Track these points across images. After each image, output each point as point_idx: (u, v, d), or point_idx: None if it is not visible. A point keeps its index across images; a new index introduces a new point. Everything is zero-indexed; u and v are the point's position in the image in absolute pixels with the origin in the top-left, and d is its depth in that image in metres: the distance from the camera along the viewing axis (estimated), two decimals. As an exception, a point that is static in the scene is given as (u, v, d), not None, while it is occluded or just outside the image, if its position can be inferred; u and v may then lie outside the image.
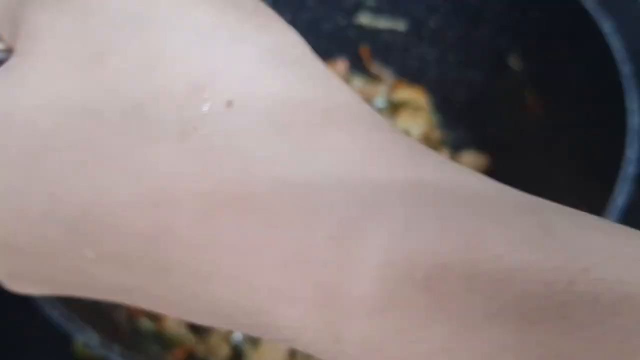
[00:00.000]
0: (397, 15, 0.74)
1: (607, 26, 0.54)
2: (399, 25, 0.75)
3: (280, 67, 0.17)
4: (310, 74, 0.17)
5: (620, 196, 0.46)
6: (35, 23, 0.17)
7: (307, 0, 0.75)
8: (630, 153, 0.48)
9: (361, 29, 0.76)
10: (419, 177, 0.16)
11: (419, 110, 0.75)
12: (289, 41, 0.18)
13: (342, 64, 0.80)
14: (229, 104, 0.15)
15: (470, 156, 0.71)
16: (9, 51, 0.20)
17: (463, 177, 0.17)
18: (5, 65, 0.18)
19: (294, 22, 0.73)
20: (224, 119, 0.15)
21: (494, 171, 0.70)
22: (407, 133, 0.72)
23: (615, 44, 0.53)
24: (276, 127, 0.15)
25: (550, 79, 0.62)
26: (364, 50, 0.78)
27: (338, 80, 0.18)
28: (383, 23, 0.76)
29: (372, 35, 0.77)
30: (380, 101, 0.74)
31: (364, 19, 0.76)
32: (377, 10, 0.75)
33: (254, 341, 0.58)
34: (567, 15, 0.58)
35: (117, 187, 0.16)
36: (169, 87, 0.15)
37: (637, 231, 0.16)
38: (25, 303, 0.41)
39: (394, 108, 0.75)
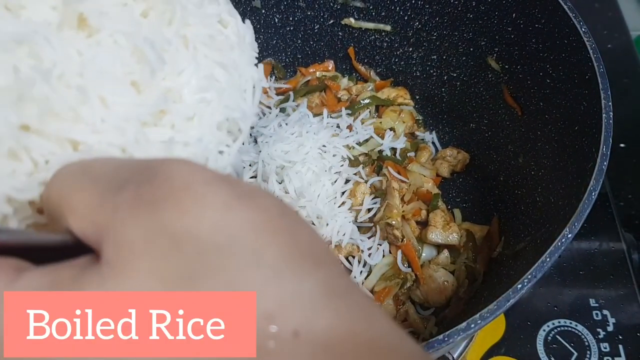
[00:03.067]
0: (383, 16, 0.75)
1: (583, 27, 0.55)
2: (385, 26, 0.76)
3: (333, 298, 0.20)
4: (356, 302, 0.20)
5: (594, 191, 0.47)
6: (128, 236, 0.19)
7: (299, 1, 0.76)
8: (604, 149, 0.50)
9: (348, 29, 0.78)
10: None
11: (403, 108, 0.76)
12: (337, 273, 0.21)
13: (330, 64, 0.81)
14: (296, 333, 0.18)
15: (452, 152, 0.72)
16: (70, 241, 0.21)
17: None
18: (98, 272, 0.19)
19: (286, 22, 0.73)
20: (292, 347, 0.18)
21: (475, 166, 0.72)
22: (392, 131, 0.73)
23: (591, 43, 0.54)
24: (332, 357, 0.18)
25: (528, 78, 0.63)
26: (351, 51, 0.80)
27: (375, 307, 0.21)
28: (369, 24, 0.77)
29: (358, 35, 0.78)
30: (367, 100, 0.75)
31: (351, 20, 0.77)
32: (363, 12, 0.76)
33: None
34: (545, 16, 0.59)
35: None
36: (246, 314, 0.18)
37: None
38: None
39: (379, 107, 0.76)
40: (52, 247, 0.21)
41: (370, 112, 0.75)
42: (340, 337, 0.19)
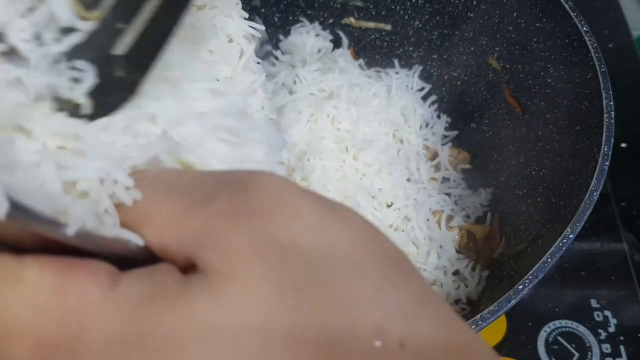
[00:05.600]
0: (383, 15, 0.75)
1: (584, 26, 0.55)
2: (385, 25, 0.76)
3: (427, 309, 0.20)
4: (445, 312, 0.21)
5: (596, 191, 0.47)
6: (233, 244, 0.19)
7: (298, 1, 0.76)
8: (606, 149, 0.50)
9: (348, 29, 0.78)
10: None
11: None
12: (422, 282, 0.21)
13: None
14: (402, 345, 0.18)
15: (452, 152, 0.72)
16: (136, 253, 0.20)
17: None
18: (205, 279, 0.19)
19: (286, 21, 0.73)
20: (399, 358, 0.18)
21: (475, 166, 0.72)
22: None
23: (592, 43, 0.54)
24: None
25: (529, 77, 0.63)
26: (351, 50, 0.79)
27: (456, 315, 0.21)
28: (369, 23, 0.77)
29: (359, 35, 0.78)
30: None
31: (351, 19, 0.77)
32: (363, 11, 0.76)
33: None
34: (546, 16, 0.59)
35: None
36: (358, 325, 0.18)
37: None
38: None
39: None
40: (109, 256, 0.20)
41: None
42: (440, 347, 0.19)
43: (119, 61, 0.25)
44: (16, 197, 0.17)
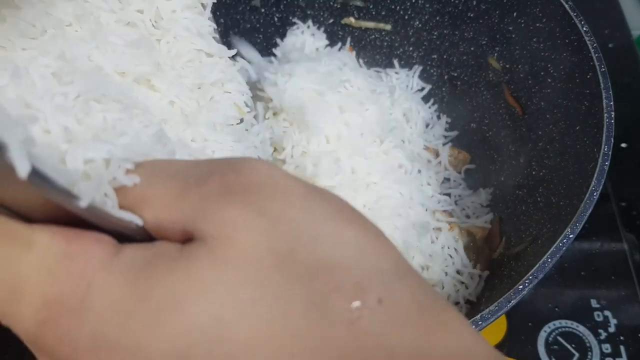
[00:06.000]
0: (383, 15, 0.75)
1: (584, 26, 0.55)
2: (385, 25, 0.76)
3: (405, 276, 0.22)
4: (422, 281, 0.22)
5: (596, 191, 0.47)
6: (226, 216, 0.20)
7: (298, 1, 0.76)
8: (606, 149, 0.50)
9: (348, 29, 0.78)
10: None
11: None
12: (401, 256, 0.23)
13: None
14: (380, 301, 0.20)
15: (452, 152, 0.72)
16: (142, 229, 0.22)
17: None
18: (202, 244, 0.20)
19: (286, 21, 0.74)
20: (378, 310, 0.20)
21: (475, 166, 0.72)
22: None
23: (592, 42, 0.54)
24: (411, 320, 0.20)
25: (529, 77, 0.63)
26: (351, 50, 0.79)
27: (431, 288, 0.23)
28: (369, 23, 0.77)
29: (358, 35, 0.78)
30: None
31: (351, 19, 0.77)
32: (363, 11, 0.76)
33: None
34: (546, 15, 0.59)
35: None
36: (341, 284, 0.20)
37: None
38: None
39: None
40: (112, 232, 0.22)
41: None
42: (414, 306, 0.21)
43: None
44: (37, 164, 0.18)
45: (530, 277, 0.43)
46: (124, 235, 0.22)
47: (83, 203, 0.19)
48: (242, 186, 0.21)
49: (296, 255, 0.20)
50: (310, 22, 0.77)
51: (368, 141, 0.64)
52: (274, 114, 0.66)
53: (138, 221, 0.22)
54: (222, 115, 0.41)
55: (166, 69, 0.38)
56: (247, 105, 0.44)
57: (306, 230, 0.21)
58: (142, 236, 0.22)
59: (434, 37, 0.73)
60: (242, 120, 0.44)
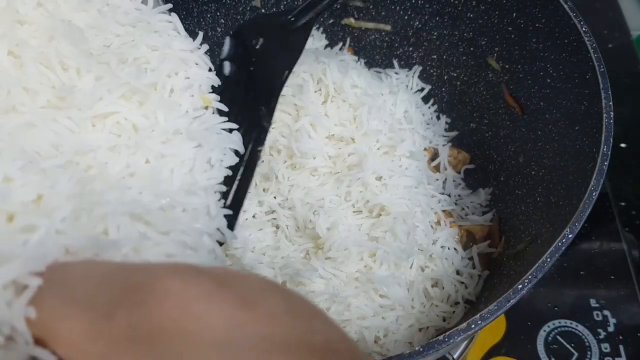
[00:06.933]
0: (383, 16, 0.75)
1: (584, 26, 0.55)
2: (385, 26, 0.76)
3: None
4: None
5: (595, 191, 0.47)
6: None
7: (298, 1, 0.76)
8: (605, 149, 0.50)
9: (348, 29, 0.78)
10: None
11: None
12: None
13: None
14: None
15: (452, 152, 0.72)
16: None
17: None
18: None
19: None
20: None
21: (475, 166, 0.72)
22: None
23: (592, 43, 0.54)
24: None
25: (529, 77, 0.63)
26: (351, 50, 0.79)
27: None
28: (369, 24, 0.77)
29: (358, 35, 0.78)
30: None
31: (351, 19, 0.77)
32: (363, 11, 0.76)
33: None
34: (546, 16, 0.59)
35: None
36: None
37: None
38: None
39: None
40: None
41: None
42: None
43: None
44: None
45: (530, 277, 0.43)
46: None
47: None
48: (149, 332, 0.20)
49: None
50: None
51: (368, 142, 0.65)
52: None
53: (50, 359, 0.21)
54: (183, 111, 0.38)
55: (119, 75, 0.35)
56: (212, 91, 0.42)
57: None
58: None
59: (434, 37, 0.73)
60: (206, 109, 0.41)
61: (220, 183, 0.38)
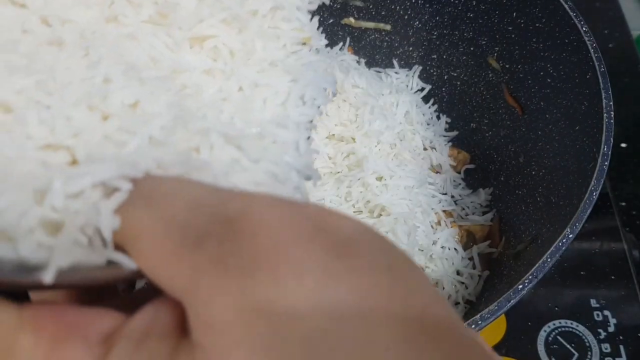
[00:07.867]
0: (383, 16, 0.75)
1: (584, 26, 0.55)
2: (385, 25, 0.76)
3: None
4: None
5: (595, 191, 0.47)
6: (219, 316, 0.17)
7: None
8: (606, 149, 0.50)
9: (348, 29, 0.78)
10: None
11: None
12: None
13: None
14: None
15: (452, 152, 0.72)
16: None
17: None
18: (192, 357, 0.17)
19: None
20: None
21: (475, 166, 0.72)
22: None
23: (592, 43, 0.54)
24: None
25: (529, 77, 0.63)
26: (351, 50, 0.79)
27: None
28: (369, 23, 0.77)
29: (358, 35, 0.78)
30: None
31: (351, 19, 0.77)
32: (363, 11, 0.76)
33: None
34: (546, 15, 0.59)
35: None
36: None
37: None
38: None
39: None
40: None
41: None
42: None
43: None
44: None
45: (530, 277, 0.43)
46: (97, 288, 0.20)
47: (47, 276, 0.17)
48: (241, 263, 0.18)
49: None
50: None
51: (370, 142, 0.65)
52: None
53: (131, 265, 0.19)
54: (281, 44, 0.35)
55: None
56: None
57: (321, 338, 0.17)
58: (123, 284, 0.20)
59: (434, 37, 0.73)
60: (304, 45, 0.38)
61: (311, 121, 0.36)
